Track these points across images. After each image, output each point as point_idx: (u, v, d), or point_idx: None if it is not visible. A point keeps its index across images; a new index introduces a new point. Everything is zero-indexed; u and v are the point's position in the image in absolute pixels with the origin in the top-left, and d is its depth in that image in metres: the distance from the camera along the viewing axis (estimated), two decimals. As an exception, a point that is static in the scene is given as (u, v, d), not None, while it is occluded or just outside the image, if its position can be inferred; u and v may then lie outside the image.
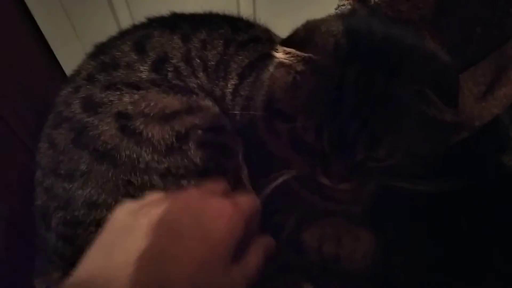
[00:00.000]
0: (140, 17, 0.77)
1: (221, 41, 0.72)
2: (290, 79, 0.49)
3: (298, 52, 0.46)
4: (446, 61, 0.49)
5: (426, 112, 0.45)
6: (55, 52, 0.87)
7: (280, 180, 0.56)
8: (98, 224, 0.59)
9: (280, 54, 0.49)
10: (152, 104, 0.63)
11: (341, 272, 0.59)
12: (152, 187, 0.60)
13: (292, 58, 0.47)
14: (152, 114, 0.62)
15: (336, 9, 0.67)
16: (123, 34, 0.74)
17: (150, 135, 0.60)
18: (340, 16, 0.52)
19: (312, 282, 0.61)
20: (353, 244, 0.59)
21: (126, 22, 0.78)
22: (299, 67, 0.47)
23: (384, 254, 0.59)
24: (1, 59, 0.72)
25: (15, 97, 0.74)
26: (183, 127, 0.62)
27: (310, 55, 0.46)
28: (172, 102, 0.64)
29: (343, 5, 0.65)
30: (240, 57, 0.71)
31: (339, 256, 0.58)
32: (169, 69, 0.68)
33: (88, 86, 0.65)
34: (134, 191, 0.59)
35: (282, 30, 0.78)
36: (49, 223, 0.61)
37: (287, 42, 0.48)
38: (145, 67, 0.67)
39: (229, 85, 0.70)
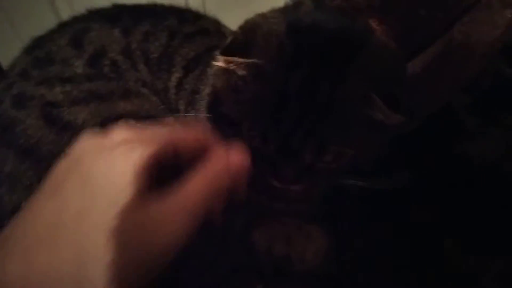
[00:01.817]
0: (80, 8, 0.72)
1: (165, 33, 0.69)
2: (232, 84, 0.46)
3: (241, 60, 0.43)
4: (394, 54, 0.46)
5: (372, 116, 0.43)
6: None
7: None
8: None
9: (221, 64, 0.45)
10: (84, 89, 0.58)
11: (293, 273, 0.56)
12: None
13: (234, 66, 0.44)
14: (81, 97, 0.57)
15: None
16: (62, 27, 0.70)
17: (73, 119, 0.56)
18: (283, 11, 0.48)
19: (264, 283, 0.58)
20: (303, 242, 0.57)
21: (66, 14, 0.74)
22: (241, 72, 0.44)
23: (336, 253, 0.57)
24: None
25: None
26: (113, 112, 0.58)
27: (253, 60, 0.42)
28: (106, 85, 0.60)
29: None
30: (186, 50, 0.68)
31: (290, 256, 0.56)
32: (105, 62, 0.64)
33: (21, 83, 0.61)
34: None
35: (232, 22, 0.75)
36: None
37: (227, 50, 0.44)
38: (80, 62, 0.63)
39: (172, 78, 0.67)
